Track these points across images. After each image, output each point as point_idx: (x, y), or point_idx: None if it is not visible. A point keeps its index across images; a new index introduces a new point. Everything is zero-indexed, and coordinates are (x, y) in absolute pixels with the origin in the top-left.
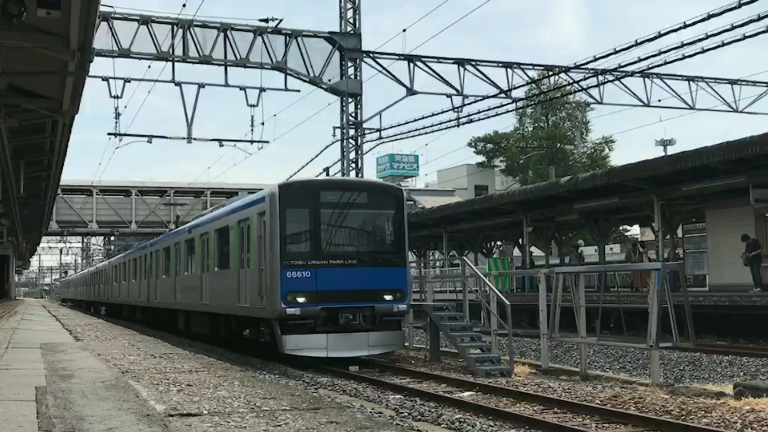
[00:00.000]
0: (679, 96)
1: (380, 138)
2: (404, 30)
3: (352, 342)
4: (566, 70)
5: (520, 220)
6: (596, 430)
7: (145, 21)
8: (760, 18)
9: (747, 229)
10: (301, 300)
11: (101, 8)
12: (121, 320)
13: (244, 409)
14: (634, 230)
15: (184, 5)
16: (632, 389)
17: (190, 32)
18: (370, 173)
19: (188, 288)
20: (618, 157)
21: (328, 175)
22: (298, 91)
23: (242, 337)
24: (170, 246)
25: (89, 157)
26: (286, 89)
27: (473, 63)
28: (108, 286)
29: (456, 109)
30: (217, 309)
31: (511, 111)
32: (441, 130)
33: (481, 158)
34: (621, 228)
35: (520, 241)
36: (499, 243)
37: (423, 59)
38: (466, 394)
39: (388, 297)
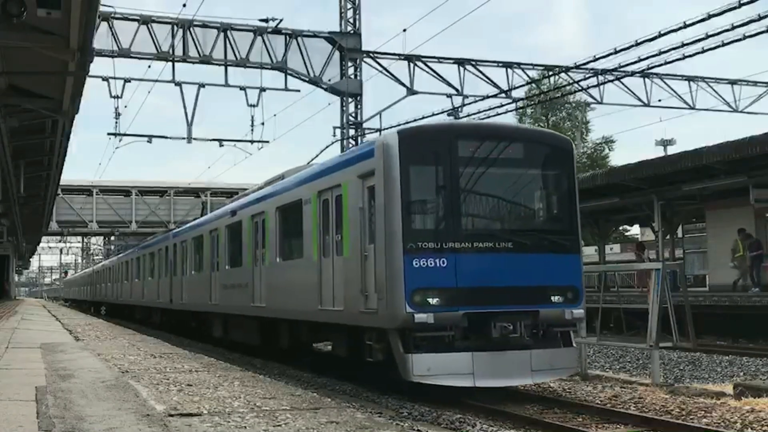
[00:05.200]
0: (679, 96)
1: None
2: (404, 30)
3: (508, 364)
4: (566, 70)
5: None
6: (596, 430)
7: (145, 21)
8: (760, 18)
9: (747, 230)
10: (434, 301)
11: (101, 8)
12: (135, 324)
13: (244, 409)
14: (634, 230)
15: (184, 5)
16: (632, 389)
17: (190, 32)
18: None
19: (231, 286)
20: (618, 157)
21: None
22: (298, 91)
23: (313, 351)
24: (203, 235)
25: (89, 157)
26: (286, 89)
27: (473, 63)
28: (117, 285)
29: (456, 109)
30: (279, 313)
31: (511, 111)
32: None
33: None
34: (621, 228)
35: None
36: None
37: (423, 59)
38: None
39: (556, 298)
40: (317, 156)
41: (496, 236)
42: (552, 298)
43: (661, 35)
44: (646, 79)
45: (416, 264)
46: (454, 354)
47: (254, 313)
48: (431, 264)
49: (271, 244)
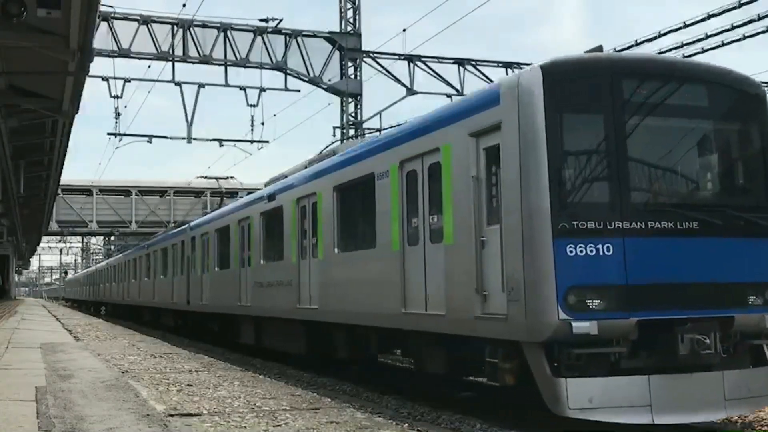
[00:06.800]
0: None
1: None
2: (404, 30)
3: (696, 391)
4: None
5: None
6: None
7: (145, 21)
8: (760, 18)
9: None
10: (595, 304)
11: (101, 8)
12: (140, 326)
13: (244, 409)
14: None
15: (184, 5)
16: None
17: (190, 32)
18: None
19: (269, 284)
20: None
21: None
22: (298, 91)
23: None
24: (230, 225)
25: (89, 157)
26: (286, 89)
27: (473, 63)
28: (124, 285)
29: None
30: (339, 317)
31: None
32: None
33: None
34: None
35: None
36: None
37: (423, 59)
38: (465, 394)
39: (753, 299)
40: (321, 152)
41: (676, 213)
42: (748, 299)
43: (661, 35)
44: None
45: (571, 251)
46: (626, 378)
47: (301, 316)
48: (591, 251)
49: (325, 233)
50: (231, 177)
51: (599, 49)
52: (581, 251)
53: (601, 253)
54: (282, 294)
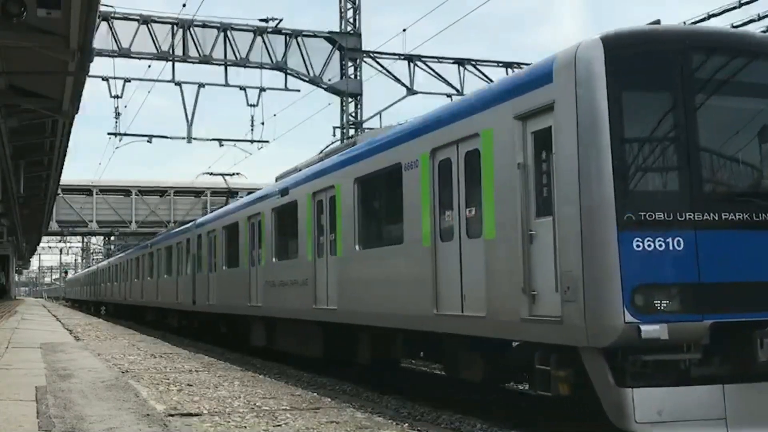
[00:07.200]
0: None
1: None
2: (404, 30)
3: None
4: None
5: None
6: (597, 428)
7: (145, 21)
8: (760, 18)
9: None
10: (664, 305)
11: (101, 8)
12: (145, 327)
13: (244, 409)
14: None
15: (184, 5)
16: None
17: (190, 32)
18: None
19: (282, 284)
20: None
21: None
22: (298, 91)
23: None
24: (239, 222)
25: (89, 157)
26: (286, 89)
27: (473, 63)
28: (126, 285)
29: None
30: (360, 318)
31: None
32: None
33: None
34: None
35: None
36: None
37: (423, 59)
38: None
39: None
40: (321, 152)
41: (753, 204)
42: None
43: None
44: None
45: (638, 246)
46: (699, 388)
47: (318, 317)
48: (660, 246)
49: (345, 228)
50: (237, 173)
51: (657, 23)
52: (649, 246)
53: (670, 248)
54: (296, 294)
